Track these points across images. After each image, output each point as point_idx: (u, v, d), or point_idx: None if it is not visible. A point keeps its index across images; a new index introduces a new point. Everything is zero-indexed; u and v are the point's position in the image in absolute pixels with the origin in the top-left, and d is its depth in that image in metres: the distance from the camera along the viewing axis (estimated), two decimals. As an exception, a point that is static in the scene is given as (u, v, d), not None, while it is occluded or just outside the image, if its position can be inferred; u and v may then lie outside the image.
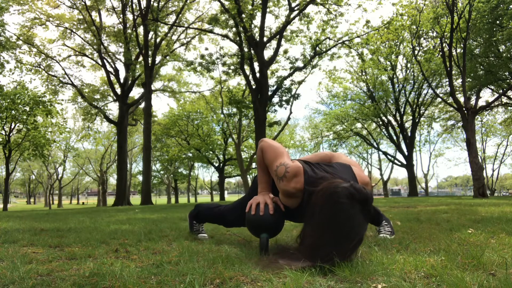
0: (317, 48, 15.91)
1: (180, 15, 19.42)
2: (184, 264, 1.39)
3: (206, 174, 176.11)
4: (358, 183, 1.49)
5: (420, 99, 23.20)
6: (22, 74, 21.88)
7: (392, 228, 2.15)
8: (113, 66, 21.12)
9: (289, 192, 1.56)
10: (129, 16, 19.61)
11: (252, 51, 14.39)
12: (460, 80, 14.30)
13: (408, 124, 24.29)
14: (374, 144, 27.16)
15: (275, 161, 1.65)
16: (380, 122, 24.60)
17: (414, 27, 15.32)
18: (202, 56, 16.50)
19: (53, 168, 39.85)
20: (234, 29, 14.77)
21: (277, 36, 14.98)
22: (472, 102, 12.38)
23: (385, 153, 26.74)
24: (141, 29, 18.88)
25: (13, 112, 17.21)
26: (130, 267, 1.35)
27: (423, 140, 31.73)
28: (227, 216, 2.10)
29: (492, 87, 16.63)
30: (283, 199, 1.64)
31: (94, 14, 20.58)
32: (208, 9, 20.62)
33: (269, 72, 15.97)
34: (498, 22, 14.04)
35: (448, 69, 11.69)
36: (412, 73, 22.62)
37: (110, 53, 21.53)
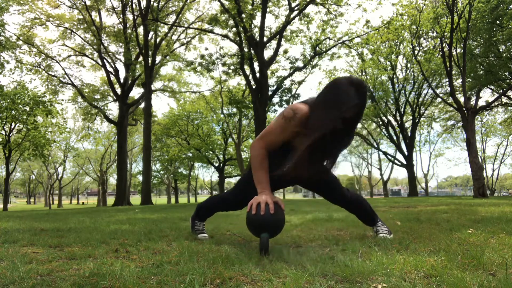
0: (317, 48, 15.92)
1: (180, 15, 19.42)
2: (184, 264, 1.39)
3: (206, 174, 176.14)
4: None
5: (420, 99, 23.20)
6: (22, 74, 21.92)
7: (388, 228, 2.15)
8: (113, 66, 21.12)
9: (301, 125, 1.66)
10: (129, 16, 19.62)
11: (252, 51, 14.40)
12: (460, 80, 14.30)
13: (408, 124, 24.30)
14: (374, 144, 27.16)
15: (272, 125, 1.76)
16: (380, 122, 24.60)
17: (414, 27, 15.32)
18: (202, 56, 16.51)
19: (53, 168, 39.85)
20: (234, 29, 14.77)
21: (277, 36, 14.99)
22: (472, 102, 12.38)
23: (385, 153, 26.75)
24: (141, 29, 18.88)
25: (13, 112, 17.21)
26: (130, 267, 1.35)
27: (423, 140, 31.77)
28: (227, 198, 2.14)
29: (492, 87, 16.63)
30: (299, 141, 1.71)
31: (94, 14, 20.58)
32: (208, 9, 20.64)
33: (269, 72, 15.98)
34: (498, 22, 14.04)
35: (448, 69, 11.69)
36: (412, 73, 22.62)
37: (110, 53, 21.53)
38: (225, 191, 2.99)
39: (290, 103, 15.96)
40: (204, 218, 2.32)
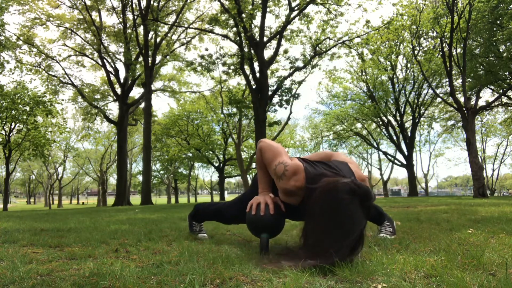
0: (317, 48, 15.91)
1: (180, 15, 19.42)
2: (184, 264, 1.39)
3: (206, 174, 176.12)
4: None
5: (420, 99, 23.20)
6: (22, 74, 21.90)
7: (394, 229, 2.15)
8: (113, 66, 21.12)
9: (288, 191, 1.56)
10: (129, 16, 19.62)
11: (252, 51, 14.39)
12: (460, 80, 14.29)
13: (408, 124, 24.29)
14: (374, 144, 27.16)
15: (274, 160, 1.65)
16: (380, 122, 24.60)
17: (414, 27, 15.31)
18: (202, 56, 16.50)
19: (53, 168, 39.85)
20: (234, 29, 14.76)
21: (277, 36, 14.98)
22: (472, 102, 12.37)
23: (385, 153, 26.75)
24: (141, 29, 18.88)
25: (13, 112, 17.21)
26: (130, 267, 1.35)
27: (423, 140, 31.76)
28: (225, 213, 2.11)
29: (492, 87, 16.61)
30: (283, 197, 1.64)
31: (94, 14, 20.59)
32: (208, 9, 20.61)
33: (269, 72, 15.97)
34: (498, 22, 14.03)
35: (448, 69, 11.68)
36: (412, 73, 22.62)
37: (110, 53, 21.53)
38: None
39: (290, 103, 16.00)
40: (201, 221, 2.33)
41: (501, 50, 14.84)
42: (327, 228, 1.32)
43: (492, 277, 1.13)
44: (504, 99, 16.60)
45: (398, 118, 23.50)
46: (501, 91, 15.40)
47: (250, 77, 14.91)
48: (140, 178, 35.94)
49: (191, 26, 19.84)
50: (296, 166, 1.54)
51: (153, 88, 20.22)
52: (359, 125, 26.95)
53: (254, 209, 1.67)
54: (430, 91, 21.72)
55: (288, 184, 1.54)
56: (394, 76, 22.82)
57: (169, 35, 20.28)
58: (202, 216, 2.28)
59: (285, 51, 16.47)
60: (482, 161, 28.60)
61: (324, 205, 1.34)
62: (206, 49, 24.81)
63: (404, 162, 23.43)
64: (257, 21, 14.58)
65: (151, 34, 18.36)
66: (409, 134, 23.34)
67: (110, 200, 29.88)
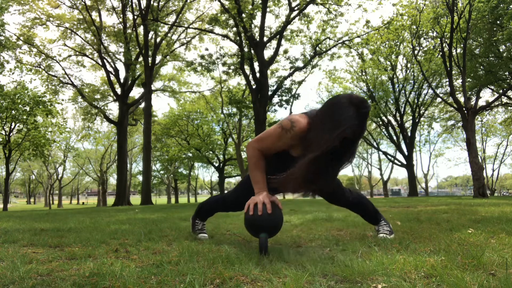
0: (317, 48, 15.93)
1: (180, 15, 19.41)
2: (184, 264, 1.39)
3: (206, 174, 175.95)
4: None
5: (420, 99, 23.20)
6: (22, 74, 21.96)
7: (391, 228, 2.15)
8: (113, 66, 21.11)
9: (297, 137, 1.65)
10: (129, 16, 19.61)
11: (252, 51, 14.40)
12: (460, 80, 14.29)
13: (408, 124, 24.29)
14: (374, 144, 27.16)
15: (275, 131, 1.72)
16: (380, 122, 24.60)
17: (414, 27, 15.31)
18: (202, 56, 16.51)
19: (53, 168, 39.84)
20: (234, 29, 14.78)
21: (277, 36, 14.99)
22: (472, 102, 12.36)
23: (385, 153, 26.75)
24: (141, 29, 18.87)
25: (13, 112, 17.20)
26: (130, 267, 1.35)
27: (423, 140, 31.78)
28: (226, 199, 2.15)
29: (492, 87, 16.61)
30: (293, 150, 1.72)
31: (94, 14, 20.58)
32: (208, 9, 20.62)
33: (269, 72, 15.98)
34: (498, 22, 14.03)
35: (448, 69, 11.68)
36: (412, 73, 22.62)
37: (110, 53, 21.53)
38: (225, 191, 3.02)
39: (290, 103, 16.02)
40: (205, 218, 2.32)
41: (501, 50, 14.84)
42: (323, 120, 1.56)
43: (492, 277, 1.13)
44: (504, 99, 16.60)
45: (398, 118, 23.51)
46: (501, 91, 15.39)
47: (250, 77, 14.92)
48: (140, 178, 35.96)
49: (191, 26, 19.85)
50: (299, 116, 1.68)
51: (153, 88, 20.22)
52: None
53: (252, 209, 1.67)
54: (430, 91, 21.72)
55: (293, 131, 1.64)
56: (394, 76, 22.82)
57: (169, 35, 20.27)
58: (206, 209, 2.27)
59: (285, 51, 16.48)
60: (482, 161, 28.60)
61: (326, 109, 1.59)
62: (206, 49, 24.81)
63: (404, 162, 23.43)
64: (257, 21, 14.60)
65: (151, 34, 18.36)
66: (409, 134, 23.34)
67: (110, 200, 29.88)
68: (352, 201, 2.09)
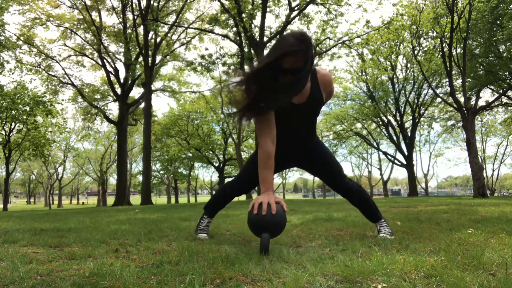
0: (317, 48, 15.92)
1: (180, 15, 19.41)
2: (184, 264, 1.39)
3: (206, 174, 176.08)
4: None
5: (420, 99, 23.21)
6: (22, 74, 21.96)
7: (390, 228, 2.14)
8: (113, 66, 21.11)
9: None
10: (129, 16, 19.61)
11: (252, 51, 14.40)
12: (460, 80, 14.29)
13: (408, 124, 24.30)
14: (374, 144, 27.17)
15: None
16: (380, 122, 24.61)
17: (414, 27, 15.30)
18: (202, 56, 16.52)
19: (53, 168, 39.84)
20: (234, 29, 14.78)
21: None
22: (472, 102, 12.37)
23: (385, 153, 26.76)
24: (141, 29, 18.87)
25: (13, 112, 17.19)
26: (130, 267, 1.35)
27: (423, 140, 31.77)
28: (235, 181, 2.22)
29: (492, 87, 16.61)
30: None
31: (94, 14, 20.58)
32: (208, 9, 20.61)
33: (269, 72, 15.94)
34: (498, 22, 14.03)
35: (448, 69, 11.68)
36: (412, 73, 22.63)
37: (110, 53, 21.53)
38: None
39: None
40: (214, 213, 2.28)
41: (501, 50, 14.83)
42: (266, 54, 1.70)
43: (492, 277, 1.13)
44: (504, 99, 16.60)
45: (398, 118, 23.51)
46: (501, 91, 15.39)
47: (250, 77, 14.90)
48: (140, 178, 35.94)
49: (191, 26, 19.85)
50: None
51: (153, 88, 20.21)
52: (359, 125, 26.96)
53: (256, 209, 1.68)
54: (430, 91, 21.73)
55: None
56: (394, 76, 22.83)
57: (169, 35, 20.27)
58: (213, 202, 2.26)
59: (285, 51, 16.46)
60: (482, 161, 28.59)
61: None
62: (206, 49, 24.89)
63: (404, 162, 23.43)
64: (257, 21, 14.60)
65: (151, 34, 18.36)
66: (409, 134, 23.35)
67: (110, 200, 29.88)
68: (353, 191, 2.08)
